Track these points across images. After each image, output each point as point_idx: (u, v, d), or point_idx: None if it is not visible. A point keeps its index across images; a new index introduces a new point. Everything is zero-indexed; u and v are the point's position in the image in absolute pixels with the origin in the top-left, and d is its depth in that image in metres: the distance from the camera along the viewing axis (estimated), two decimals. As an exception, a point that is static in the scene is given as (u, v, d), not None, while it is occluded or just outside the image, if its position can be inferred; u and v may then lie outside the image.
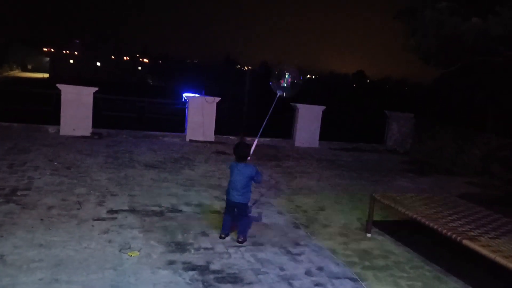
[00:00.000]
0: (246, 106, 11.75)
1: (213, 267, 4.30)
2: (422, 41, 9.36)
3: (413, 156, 12.62)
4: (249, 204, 5.39)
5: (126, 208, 5.77)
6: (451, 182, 9.58)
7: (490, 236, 4.55)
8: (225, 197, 6.52)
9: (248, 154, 5.18)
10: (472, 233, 4.57)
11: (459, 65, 9.98)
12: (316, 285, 4.16)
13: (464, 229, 4.68)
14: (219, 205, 6.20)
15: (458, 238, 4.41)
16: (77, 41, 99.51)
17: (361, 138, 13.62)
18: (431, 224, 4.82)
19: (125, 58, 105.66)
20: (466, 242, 4.33)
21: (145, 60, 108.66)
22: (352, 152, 12.45)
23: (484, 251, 4.13)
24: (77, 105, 10.76)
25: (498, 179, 10.14)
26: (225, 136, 11.99)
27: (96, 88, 11.05)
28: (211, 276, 4.11)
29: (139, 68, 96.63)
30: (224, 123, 12.16)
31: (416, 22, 9.39)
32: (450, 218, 5.06)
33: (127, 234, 4.90)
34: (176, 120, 12.40)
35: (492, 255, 4.03)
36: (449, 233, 4.54)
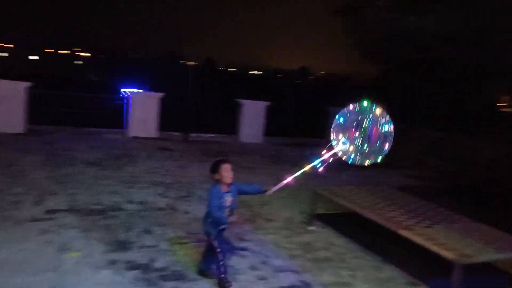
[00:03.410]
0: (190, 102, 11.64)
1: (157, 264, 4.25)
2: (363, 38, 9.64)
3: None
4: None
5: (66, 207, 5.58)
6: (390, 175, 9.94)
7: (424, 225, 4.79)
8: (169, 194, 6.45)
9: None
10: (408, 223, 4.79)
11: (398, 62, 10.37)
12: (260, 279, 4.22)
13: (400, 219, 4.90)
14: (164, 202, 6.14)
15: (395, 228, 4.61)
16: (10, 33, 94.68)
17: (304, 133, 13.82)
18: (370, 215, 5.01)
19: (62, 51, 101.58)
20: (402, 231, 4.54)
21: (87, 54, 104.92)
22: (295, 147, 12.64)
23: (418, 240, 4.34)
24: (8, 100, 10.22)
25: (433, 171, 10.65)
26: (168, 133, 11.84)
27: (30, 83, 10.54)
28: (155, 274, 4.06)
29: (80, 62, 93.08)
30: (167, 119, 11.98)
31: (357, 20, 9.66)
32: (388, 209, 5.28)
33: (67, 234, 4.74)
34: (118, 116, 12.09)
35: (426, 243, 4.25)
36: (386, 224, 4.74)
